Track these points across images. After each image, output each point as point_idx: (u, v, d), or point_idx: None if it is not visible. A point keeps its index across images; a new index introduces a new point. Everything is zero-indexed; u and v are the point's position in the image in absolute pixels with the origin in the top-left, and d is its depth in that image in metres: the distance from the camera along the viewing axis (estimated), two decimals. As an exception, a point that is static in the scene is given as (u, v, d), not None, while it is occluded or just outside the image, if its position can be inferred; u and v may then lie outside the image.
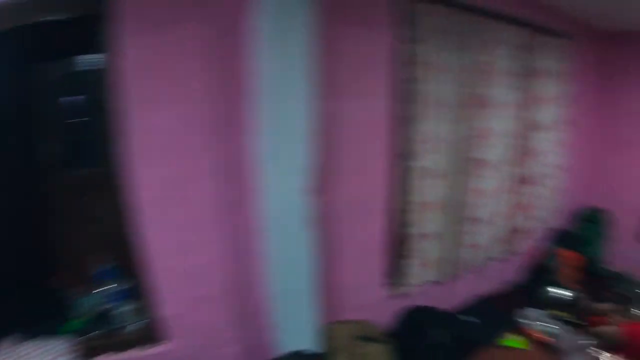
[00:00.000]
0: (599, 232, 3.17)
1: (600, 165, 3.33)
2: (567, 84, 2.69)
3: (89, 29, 1.26)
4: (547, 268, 2.78)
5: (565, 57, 2.66)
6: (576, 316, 1.72)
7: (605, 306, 1.71)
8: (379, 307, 1.99)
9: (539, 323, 1.68)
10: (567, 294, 1.85)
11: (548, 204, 2.81)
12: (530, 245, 3.00)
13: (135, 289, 1.45)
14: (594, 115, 3.26)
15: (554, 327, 1.64)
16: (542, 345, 1.59)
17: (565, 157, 2.79)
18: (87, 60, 1.50)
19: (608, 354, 1.43)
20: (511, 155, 2.38)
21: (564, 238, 3.09)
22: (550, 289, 1.91)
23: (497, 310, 2.57)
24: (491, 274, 2.62)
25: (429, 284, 2.18)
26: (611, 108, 3.21)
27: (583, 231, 3.18)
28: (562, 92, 2.66)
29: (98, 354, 1.35)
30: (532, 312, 1.75)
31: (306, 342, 1.53)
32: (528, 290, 2.73)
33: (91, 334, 1.38)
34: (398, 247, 2.02)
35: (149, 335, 1.44)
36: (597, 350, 1.44)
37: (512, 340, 1.57)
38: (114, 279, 1.46)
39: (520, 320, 1.70)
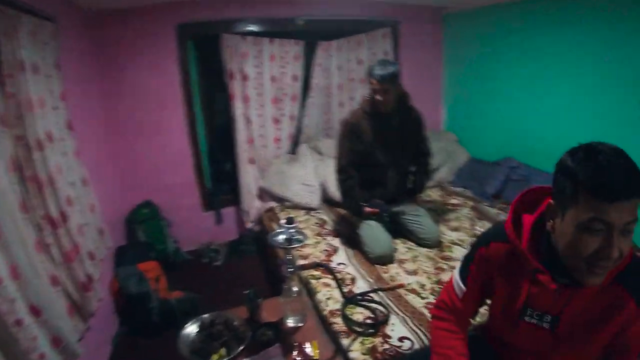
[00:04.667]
0: (159, 224, 2.84)
1: (126, 161, 2.87)
2: (61, 79, 1.89)
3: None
4: (138, 295, 2.18)
5: (54, 44, 1.84)
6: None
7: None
8: None
9: None
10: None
11: (92, 229, 2.06)
12: (108, 283, 2.24)
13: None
14: (101, 109, 2.68)
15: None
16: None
17: (86, 167, 2.07)
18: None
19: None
20: (21, 197, 1.45)
21: (132, 251, 2.53)
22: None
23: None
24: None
25: None
26: (118, 99, 2.75)
27: (145, 233, 2.74)
28: (56, 89, 1.85)
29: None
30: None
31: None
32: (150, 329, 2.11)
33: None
34: None
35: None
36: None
37: None
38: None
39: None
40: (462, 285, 1.09)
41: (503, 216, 2.64)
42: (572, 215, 0.77)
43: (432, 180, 3.17)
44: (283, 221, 1.52)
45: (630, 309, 0.85)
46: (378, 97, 2.10)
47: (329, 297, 1.85)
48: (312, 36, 3.11)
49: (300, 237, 1.50)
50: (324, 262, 2.15)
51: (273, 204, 3.03)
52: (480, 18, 3.14)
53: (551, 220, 0.85)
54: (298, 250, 2.31)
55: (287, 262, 1.50)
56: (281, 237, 1.49)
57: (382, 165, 2.27)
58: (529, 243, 0.90)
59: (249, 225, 3.17)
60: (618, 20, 2.18)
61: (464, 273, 1.09)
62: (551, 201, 0.84)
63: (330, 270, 2.05)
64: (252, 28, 2.93)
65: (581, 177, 0.74)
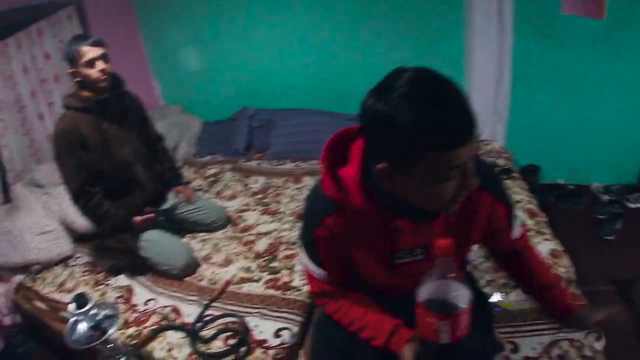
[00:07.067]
0: None
1: None
2: None
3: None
4: None
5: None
6: None
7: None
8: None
9: None
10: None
11: None
12: None
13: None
14: None
15: None
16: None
17: None
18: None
19: None
20: None
21: None
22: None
23: None
24: None
25: None
26: None
27: None
28: None
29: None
30: None
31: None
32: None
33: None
34: None
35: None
36: None
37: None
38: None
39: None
40: (320, 272, 0.92)
41: (266, 165, 2.75)
42: (420, 173, 0.65)
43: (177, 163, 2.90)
44: (72, 306, 1.02)
45: (488, 204, 0.87)
46: (97, 68, 1.63)
47: (169, 347, 1.44)
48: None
49: (109, 311, 1.06)
50: (163, 326, 1.53)
51: (19, 277, 2.01)
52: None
53: (389, 182, 0.71)
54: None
55: (111, 354, 1.04)
56: (83, 329, 1.01)
57: (125, 164, 1.84)
58: (363, 198, 0.76)
59: (6, 321, 2.00)
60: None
61: (315, 259, 0.91)
62: (380, 166, 0.68)
63: (175, 327, 1.52)
64: None
65: (420, 133, 0.60)
